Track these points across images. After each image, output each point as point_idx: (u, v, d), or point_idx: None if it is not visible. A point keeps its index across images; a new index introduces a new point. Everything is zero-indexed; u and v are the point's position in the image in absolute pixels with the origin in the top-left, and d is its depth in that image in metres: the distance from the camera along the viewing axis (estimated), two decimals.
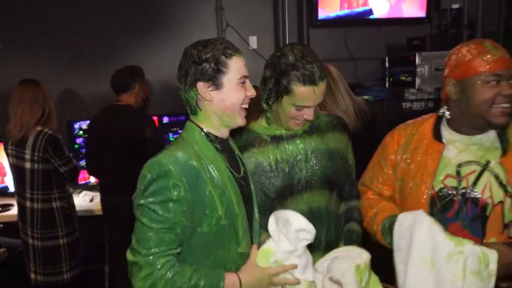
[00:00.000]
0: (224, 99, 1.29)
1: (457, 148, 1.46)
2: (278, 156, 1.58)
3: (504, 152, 1.43)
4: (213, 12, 3.83)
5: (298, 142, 1.60)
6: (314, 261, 1.40)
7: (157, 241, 1.17)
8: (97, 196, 3.25)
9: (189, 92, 1.30)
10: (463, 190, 1.43)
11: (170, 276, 1.16)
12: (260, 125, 1.64)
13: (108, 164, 2.80)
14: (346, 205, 1.71)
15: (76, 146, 3.45)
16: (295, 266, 1.32)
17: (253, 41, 3.89)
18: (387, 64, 3.78)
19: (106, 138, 2.78)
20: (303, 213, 1.41)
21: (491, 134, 1.47)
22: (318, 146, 1.61)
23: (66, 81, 3.68)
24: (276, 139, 1.61)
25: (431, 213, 1.42)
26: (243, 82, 1.32)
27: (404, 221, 1.37)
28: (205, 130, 1.33)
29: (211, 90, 1.28)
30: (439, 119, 1.55)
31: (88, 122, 3.11)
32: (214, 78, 1.27)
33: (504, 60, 1.36)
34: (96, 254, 3.32)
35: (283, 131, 1.61)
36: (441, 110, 1.53)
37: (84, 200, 3.27)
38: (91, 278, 3.41)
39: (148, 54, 3.75)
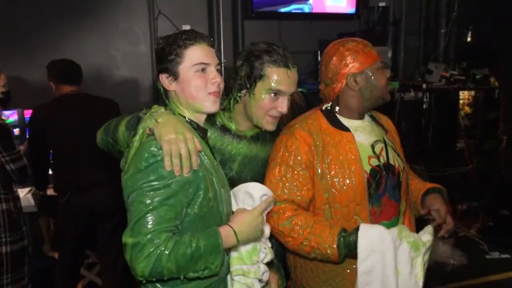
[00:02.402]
0: (183, 89, 1.32)
1: (362, 132, 1.60)
2: (217, 145, 1.55)
3: (386, 131, 1.69)
4: None
5: (242, 145, 1.58)
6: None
7: (158, 219, 1.16)
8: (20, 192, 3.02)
9: (158, 84, 1.37)
10: (384, 165, 1.60)
11: (171, 247, 1.15)
12: (220, 110, 1.58)
13: (82, 158, 2.55)
14: None
15: None
16: (274, 197, 1.43)
17: None
18: (319, 58, 3.88)
19: (82, 129, 2.46)
20: None
21: (368, 118, 1.68)
22: (258, 153, 1.61)
23: None
24: (224, 130, 1.58)
25: (369, 195, 1.54)
26: (203, 70, 1.31)
27: (369, 240, 1.43)
28: (187, 118, 1.35)
29: (171, 81, 1.33)
30: (325, 113, 1.63)
31: None
32: (170, 69, 1.31)
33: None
34: None
35: (233, 127, 1.59)
36: (326, 106, 1.64)
37: None
38: None
39: (72, 41, 3.53)
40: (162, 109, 1.32)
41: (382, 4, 4.09)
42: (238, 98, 1.53)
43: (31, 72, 3.40)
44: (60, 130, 2.54)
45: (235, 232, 1.26)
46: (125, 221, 1.22)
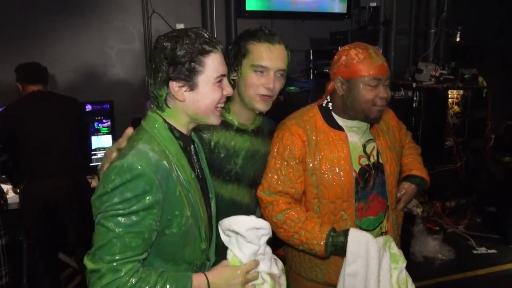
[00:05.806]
0: (198, 100, 1.21)
1: (355, 132, 1.63)
2: (222, 140, 1.55)
3: (371, 125, 1.69)
4: None
5: (246, 138, 1.60)
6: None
7: (123, 247, 1.08)
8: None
9: (160, 89, 1.21)
10: (373, 165, 1.64)
11: (133, 282, 1.08)
12: None
13: (43, 149, 2.67)
14: None
15: None
16: (258, 262, 1.28)
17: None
18: (311, 57, 3.93)
19: (47, 124, 2.71)
20: (224, 201, 1.51)
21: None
22: (259, 148, 1.63)
23: None
24: (226, 126, 1.57)
25: (356, 192, 1.59)
26: (220, 81, 1.23)
27: (356, 245, 1.48)
28: (171, 124, 1.24)
29: (185, 91, 1.19)
30: (323, 110, 1.66)
31: None
32: (188, 78, 1.18)
33: (383, 67, 1.55)
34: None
35: (235, 122, 1.59)
36: (325, 101, 1.67)
37: None
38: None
39: (66, 38, 3.55)
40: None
41: (373, 4, 4.14)
42: (231, 81, 1.51)
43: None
44: (27, 123, 2.68)
45: (208, 284, 1.18)
46: (89, 213, 1.15)
